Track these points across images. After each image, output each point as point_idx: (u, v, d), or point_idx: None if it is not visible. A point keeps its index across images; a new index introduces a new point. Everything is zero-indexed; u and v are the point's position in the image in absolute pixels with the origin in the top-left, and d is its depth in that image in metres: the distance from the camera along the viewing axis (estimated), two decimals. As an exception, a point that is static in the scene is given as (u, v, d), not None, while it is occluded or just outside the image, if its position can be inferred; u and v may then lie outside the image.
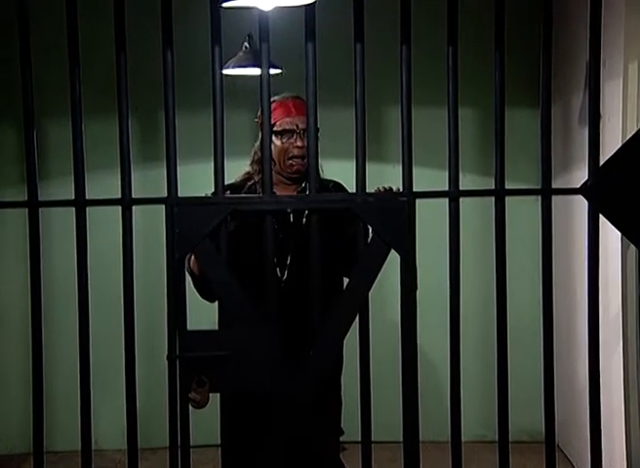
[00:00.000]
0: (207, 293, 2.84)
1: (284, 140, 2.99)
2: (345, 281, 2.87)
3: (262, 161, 2.51)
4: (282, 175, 3.03)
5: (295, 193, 3.03)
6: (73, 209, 2.47)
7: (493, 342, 2.55)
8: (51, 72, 3.82)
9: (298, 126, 2.98)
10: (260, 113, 2.91)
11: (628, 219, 2.46)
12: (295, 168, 3.00)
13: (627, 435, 3.46)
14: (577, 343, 4.27)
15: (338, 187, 3.09)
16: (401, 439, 2.52)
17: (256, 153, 3.05)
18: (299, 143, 2.97)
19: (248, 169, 3.10)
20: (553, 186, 2.53)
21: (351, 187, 2.62)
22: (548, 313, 2.53)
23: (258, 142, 3.01)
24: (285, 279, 2.96)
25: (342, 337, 2.50)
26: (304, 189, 3.02)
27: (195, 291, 2.86)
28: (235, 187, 2.99)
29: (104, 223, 3.33)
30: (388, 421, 3.34)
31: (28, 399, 2.54)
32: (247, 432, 2.90)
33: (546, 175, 2.50)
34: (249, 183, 3.05)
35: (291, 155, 3.00)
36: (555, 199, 2.56)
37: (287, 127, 2.99)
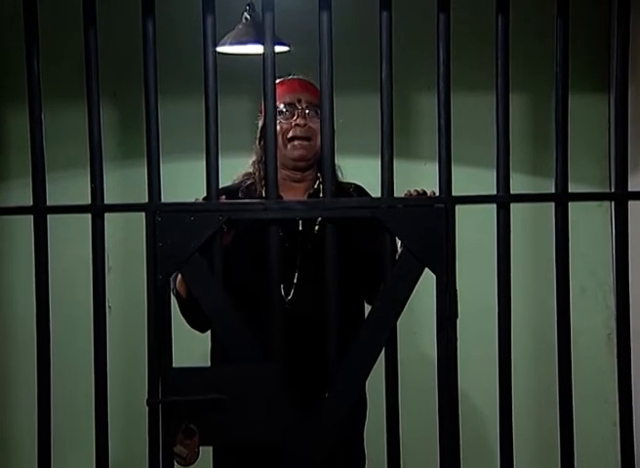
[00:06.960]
0: (196, 322, 2.47)
1: (283, 121, 2.53)
2: (366, 307, 2.51)
3: (266, 156, 2.11)
4: (286, 166, 2.55)
5: (304, 195, 2.57)
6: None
7: (551, 385, 2.23)
8: (12, 49, 3.36)
9: (299, 101, 2.52)
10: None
11: None
12: (297, 153, 2.52)
13: None
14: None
15: (359, 192, 2.65)
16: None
17: (257, 151, 2.61)
18: (299, 121, 2.51)
19: (249, 169, 2.65)
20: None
21: (374, 191, 2.30)
22: (625, 347, 2.13)
23: (258, 134, 2.59)
24: (290, 299, 2.52)
25: (365, 377, 2.17)
26: (317, 191, 2.57)
27: (182, 317, 2.49)
28: (231, 191, 2.54)
29: (76, 234, 2.92)
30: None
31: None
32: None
33: (621, 176, 2.13)
34: (247, 182, 2.61)
35: (291, 136, 2.54)
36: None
37: (286, 101, 2.53)
